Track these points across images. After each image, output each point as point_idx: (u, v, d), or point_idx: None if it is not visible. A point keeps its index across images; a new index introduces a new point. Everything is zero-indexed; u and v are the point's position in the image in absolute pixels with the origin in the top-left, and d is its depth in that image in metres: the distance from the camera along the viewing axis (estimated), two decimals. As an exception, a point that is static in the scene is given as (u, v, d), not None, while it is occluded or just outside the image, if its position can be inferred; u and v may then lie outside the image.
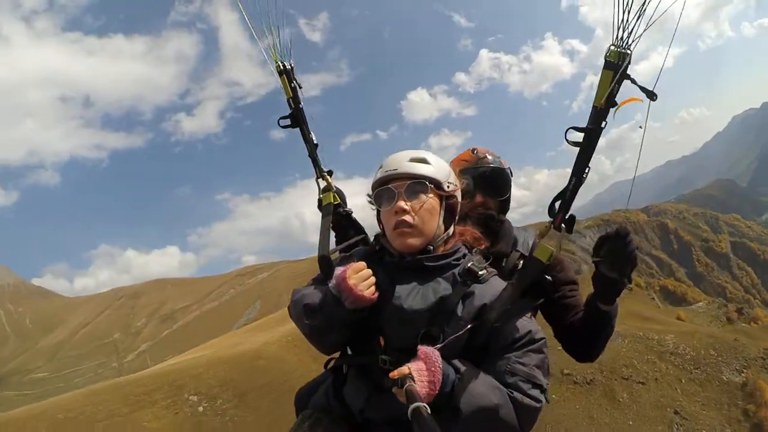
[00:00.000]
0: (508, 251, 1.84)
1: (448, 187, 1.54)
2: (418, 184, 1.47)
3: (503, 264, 1.79)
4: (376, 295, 1.43)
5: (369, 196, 1.61)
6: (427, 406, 1.00)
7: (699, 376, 18.53)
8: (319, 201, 2.08)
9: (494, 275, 1.51)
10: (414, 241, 1.47)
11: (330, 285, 1.42)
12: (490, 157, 2.00)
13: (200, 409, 14.29)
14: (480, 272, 1.46)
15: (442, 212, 1.54)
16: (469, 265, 1.47)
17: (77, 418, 14.51)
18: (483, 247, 1.63)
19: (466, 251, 1.57)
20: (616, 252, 1.46)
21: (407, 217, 1.45)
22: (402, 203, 1.46)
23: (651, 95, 1.36)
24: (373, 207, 1.61)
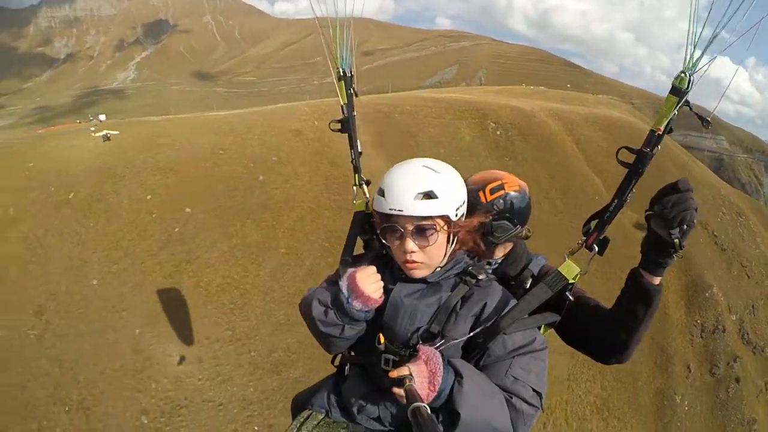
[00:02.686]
0: (516, 273, 1.79)
1: (457, 215, 1.50)
2: (426, 226, 1.44)
3: (511, 284, 1.74)
4: (382, 297, 1.48)
5: (373, 216, 1.65)
6: (426, 405, 1.03)
7: None
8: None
9: (494, 280, 1.54)
10: (422, 273, 1.50)
11: (340, 285, 1.46)
12: (500, 201, 1.83)
13: (498, 132, 19.93)
14: (480, 276, 1.49)
15: (451, 239, 1.53)
16: (470, 268, 1.51)
17: (413, 113, 19.61)
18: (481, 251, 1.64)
19: (468, 259, 1.59)
20: (670, 206, 1.34)
21: (416, 257, 1.45)
22: (410, 245, 1.44)
23: (704, 122, 1.35)
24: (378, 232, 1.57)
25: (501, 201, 1.81)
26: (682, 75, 1.27)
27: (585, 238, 1.51)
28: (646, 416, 14.90)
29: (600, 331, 1.61)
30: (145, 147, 13.17)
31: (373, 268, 1.50)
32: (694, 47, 1.24)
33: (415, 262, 1.46)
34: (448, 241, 1.51)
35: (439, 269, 1.52)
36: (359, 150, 2.17)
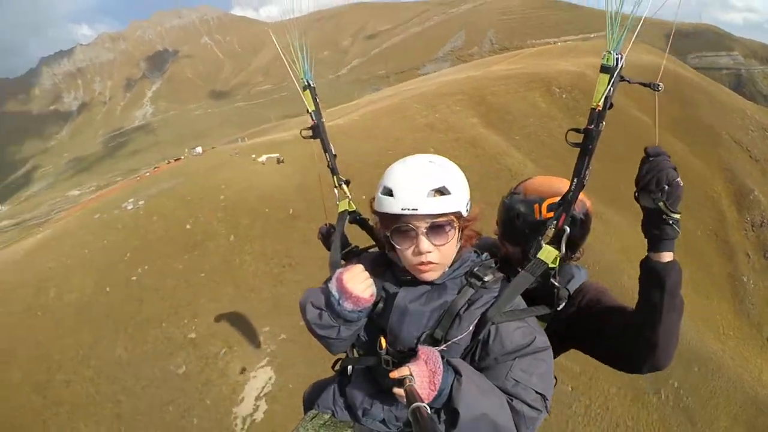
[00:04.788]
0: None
1: (467, 210, 1.45)
2: (442, 223, 1.38)
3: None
4: (374, 295, 1.44)
5: (378, 217, 1.50)
6: (426, 406, 1.01)
7: None
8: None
9: (501, 279, 1.48)
10: (435, 275, 1.44)
11: (329, 287, 1.44)
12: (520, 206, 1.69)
13: (564, 96, 23.39)
14: (485, 277, 1.43)
15: (460, 235, 1.47)
16: (475, 269, 1.45)
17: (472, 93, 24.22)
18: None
19: (474, 257, 1.55)
20: (644, 174, 1.29)
21: (432, 257, 1.39)
22: (426, 245, 1.37)
23: (655, 87, 1.32)
24: (387, 234, 1.45)
25: (556, 223, 1.53)
26: (608, 54, 1.28)
27: (555, 221, 1.46)
28: (724, 294, 19.54)
29: (620, 332, 1.48)
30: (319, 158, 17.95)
31: (360, 267, 1.46)
32: (618, 26, 1.28)
33: (430, 263, 1.38)
34: (458, 237, 1.45)
35: (447, 269, 1.46)
36: (333, 153, 2.18)
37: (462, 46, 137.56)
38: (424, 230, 1.37)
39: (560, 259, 1.52)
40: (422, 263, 1.39)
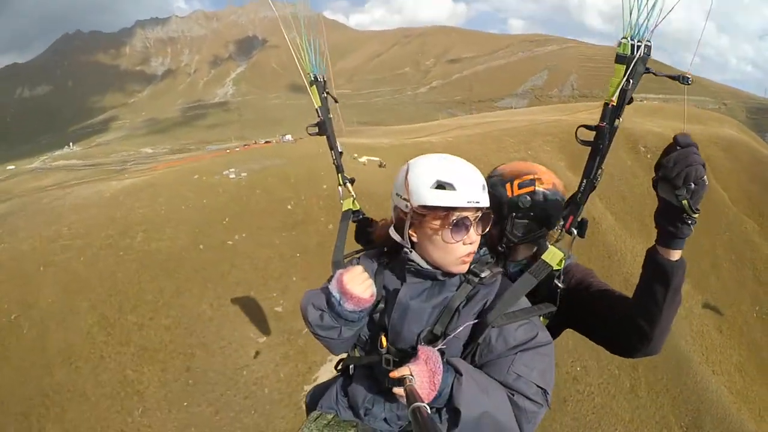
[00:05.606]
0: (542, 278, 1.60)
1: None
2: (487, 215, 1.43)
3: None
4: (374, 296, 1.45)
5: (424, 213, 1.39)
6: (427, 405, 1.01)
7: None
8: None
9: (499, 274, 1.50)
10: (468, 266, 1.45)
11: (330, 287, 1.46)
12: (527, 198, 1.71)
13: (649, 156, 22.05)
14: (483, 274, 1.44)
15: None
16: (472, 266, 1.46)
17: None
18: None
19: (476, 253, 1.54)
20: (672, 165, 1.16)
21: (474, 248, 1.43)
22: (475, 237, 1.42)
23: (684, 80, 1.23)
24: (416, 218, 1.42)
25: (527, 198, 1.67)
26: (624, 41, 1.20)
27: (563, 223, 1.45)
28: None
29: (617, 320, 1.44)
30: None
31: (360, 268, 1.46)
32: (639, 10, 1.17)
33: (471, 254, 1.41)
34: None
35: None
36: (339, 150, 2.17)
37: (543, 86, 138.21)
38: (475, 221, 1.39)
39: (541, 240, 1.69)
40: (468, 254, 1.40)
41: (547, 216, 1.69)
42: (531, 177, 1.71)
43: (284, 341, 8.05)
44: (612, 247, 11.95)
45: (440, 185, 1.35)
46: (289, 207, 11.15)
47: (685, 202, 1.15)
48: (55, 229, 9.86)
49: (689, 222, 1.19)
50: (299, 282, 9.04)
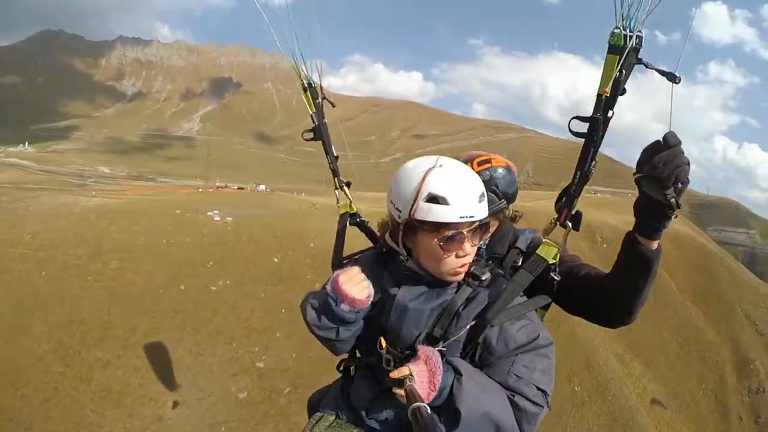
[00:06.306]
0: (503, 251, 1.73)
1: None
2: (483, 226, 1.40)
3: (501, 264, 1.68)
4: (370, 297, 1.45)
5: (419, 226, 1.35)
6: (427, 405, 1.01)
7: None
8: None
9: (499, 276, 1.50)
10: (462, 276, 1.44)
11: (327, 289, 1.46)
12: (486, 173, 1.81)
13: (605, 246, 27.24)
14: (483, 276, 1.43)
15: None
16: (472, 268, 1.45)
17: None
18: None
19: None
20: (662, 165, 1.19)
21: (470, 259, 1.41)
22: (470, 248, 1.38)
23: (672, 78, 1.23)
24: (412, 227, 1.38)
25: (487, 173, 1.78)
26: (617, 31, 1.22)
27: (557, 216, 1.48)
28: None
29: (601, 300, 1.54)
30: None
31: (356, 269, 1.46)
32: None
33: (466, 264, 1.39)
34: None
35: None
36: (335, 155, 2.17)
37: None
38: (470, 234, 1.35)
39: (508, 224, 1.80)
40: (462, 265, 1.38)
41: (506, 189, 1.83)
42: (487, 157, 1.86)
43: (265, 399, 7.45)
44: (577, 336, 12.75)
45: (433, 198, 1.30)
46: (275, 260, 10.80)
47: (673, 200, 1.22)
48: (15, 233, 8.88)
49: (673, 217, 1.27)
50: (283, 339, 8.53)
